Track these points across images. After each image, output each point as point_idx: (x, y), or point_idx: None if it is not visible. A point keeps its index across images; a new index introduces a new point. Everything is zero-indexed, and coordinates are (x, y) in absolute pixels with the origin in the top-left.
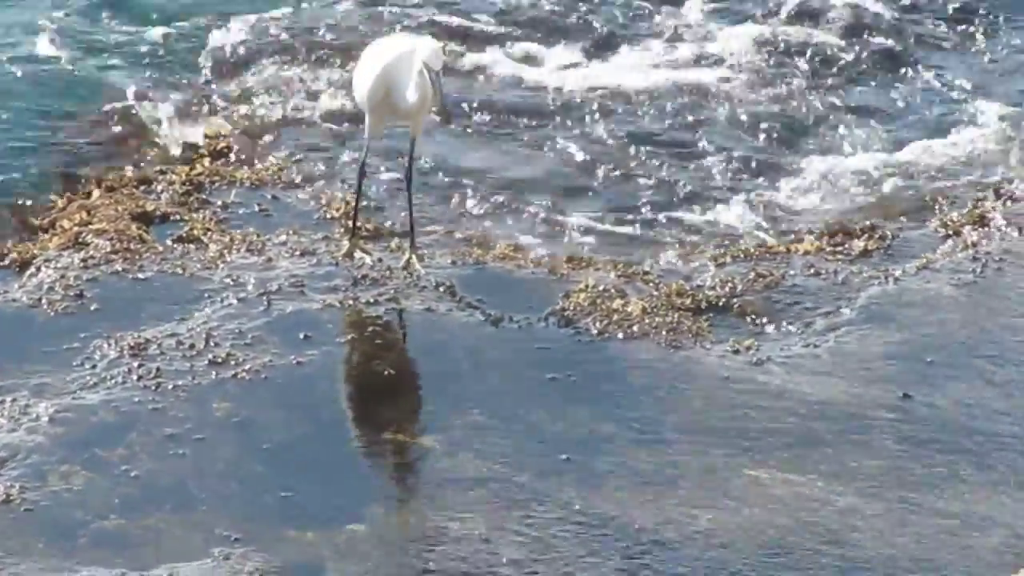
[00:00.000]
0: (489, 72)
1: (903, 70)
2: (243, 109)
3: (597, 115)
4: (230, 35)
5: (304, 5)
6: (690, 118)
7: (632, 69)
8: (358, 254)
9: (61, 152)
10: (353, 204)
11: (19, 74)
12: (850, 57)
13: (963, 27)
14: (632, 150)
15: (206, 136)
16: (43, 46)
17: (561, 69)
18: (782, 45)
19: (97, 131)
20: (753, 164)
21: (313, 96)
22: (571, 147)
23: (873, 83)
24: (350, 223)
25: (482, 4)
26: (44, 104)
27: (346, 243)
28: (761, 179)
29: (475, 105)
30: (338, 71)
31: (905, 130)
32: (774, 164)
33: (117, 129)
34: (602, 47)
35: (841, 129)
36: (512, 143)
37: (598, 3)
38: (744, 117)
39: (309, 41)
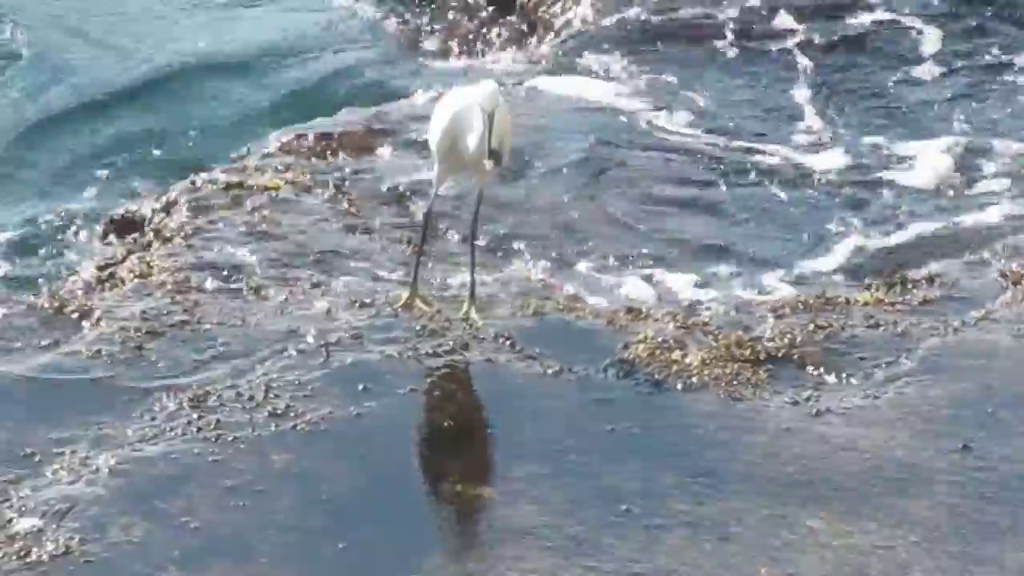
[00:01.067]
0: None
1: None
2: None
3: (659, 162)
4: None
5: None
6: (741, 174)
7: (693, 121)
8: (419, 304)
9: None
10: (416, 254)
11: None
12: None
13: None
14: (687, 203)
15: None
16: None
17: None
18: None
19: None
20: (810, 219)
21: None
22: (629, 196)
23: (923, 128)
24: (411, 273)
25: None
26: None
27: (406, 293)
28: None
29: (535, 152)
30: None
31: (960, 176)
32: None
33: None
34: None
35: (892, 176)
36: (572, 192)
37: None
38: (804, 172)
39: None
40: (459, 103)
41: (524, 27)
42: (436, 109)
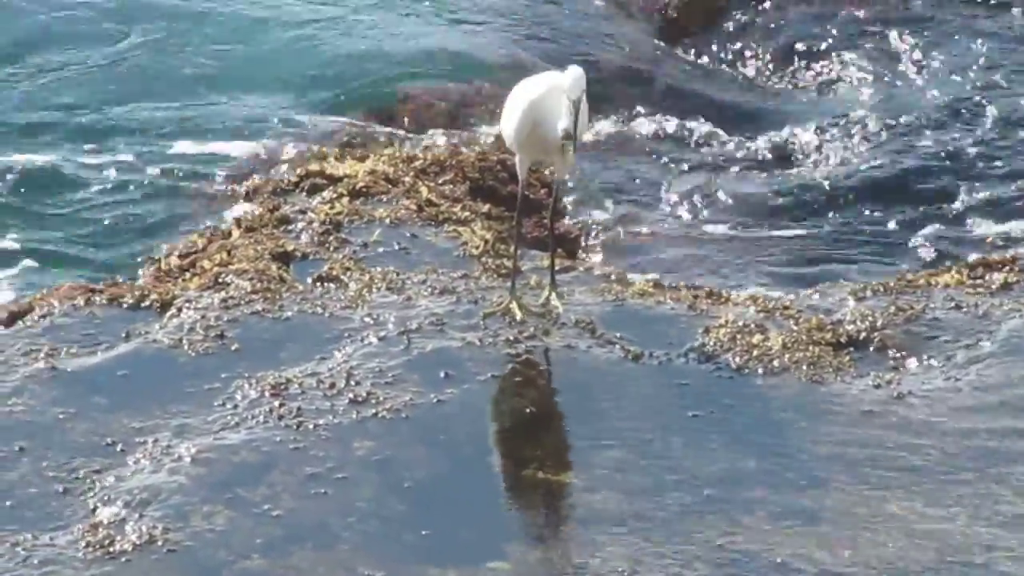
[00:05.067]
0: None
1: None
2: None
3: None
4: None
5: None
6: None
7: None
8: (514, 309)
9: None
10: (513, 259)
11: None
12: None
13: None
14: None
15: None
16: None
17: None
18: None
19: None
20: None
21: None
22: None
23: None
24: (509, 279)
25: None
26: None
27: (507, 298)
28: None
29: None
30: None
31: None
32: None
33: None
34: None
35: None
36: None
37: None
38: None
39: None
40: (538, 90)
41: None
42: (511, 97)
